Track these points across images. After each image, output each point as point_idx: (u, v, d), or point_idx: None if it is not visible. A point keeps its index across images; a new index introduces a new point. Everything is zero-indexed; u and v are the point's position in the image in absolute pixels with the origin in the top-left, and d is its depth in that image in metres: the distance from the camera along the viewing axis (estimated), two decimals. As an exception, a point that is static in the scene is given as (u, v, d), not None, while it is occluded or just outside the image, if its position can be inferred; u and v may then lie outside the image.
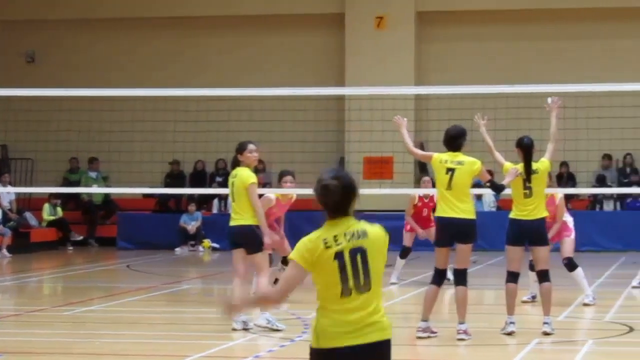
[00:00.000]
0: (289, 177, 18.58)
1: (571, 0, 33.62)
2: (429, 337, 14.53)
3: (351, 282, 7.17)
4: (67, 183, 33.72)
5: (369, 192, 27.93)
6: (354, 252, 7.18)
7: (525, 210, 14.87)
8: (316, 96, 27.84)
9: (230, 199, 15.92)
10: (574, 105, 27.37)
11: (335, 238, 7.19)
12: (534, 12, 33.89)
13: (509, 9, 33.96)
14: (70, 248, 33.01)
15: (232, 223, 15.56)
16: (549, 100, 16.03)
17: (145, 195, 32.81)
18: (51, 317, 17.81)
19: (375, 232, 7.27)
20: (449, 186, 14.57)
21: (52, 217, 33.40)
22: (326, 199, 7.23)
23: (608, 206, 32.05)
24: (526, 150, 15.15)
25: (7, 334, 15.65)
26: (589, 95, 25.97)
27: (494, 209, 32.38)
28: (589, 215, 31.64)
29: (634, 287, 20.33)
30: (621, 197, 31.71)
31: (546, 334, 14.50)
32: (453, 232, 14.60)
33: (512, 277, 14.85)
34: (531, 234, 14.85)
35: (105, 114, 29.17)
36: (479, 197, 31.98)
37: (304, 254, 7.16)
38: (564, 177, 32.01)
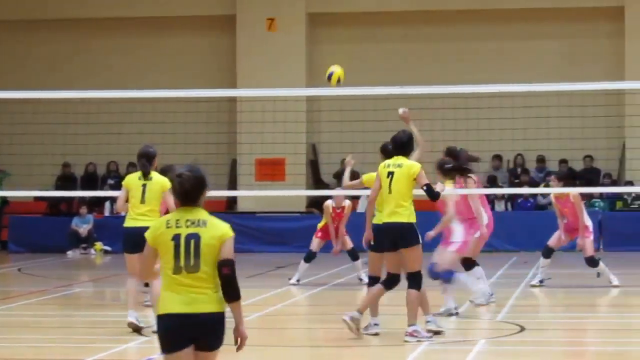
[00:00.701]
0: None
1: (461, 3, 33.93)
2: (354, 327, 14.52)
3: (182, 262, 8.04)
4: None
5: (262, 194, 28.26)
6: (189, 237, 8.04)
7: (392, 212, 14.72)
8: (208, 98, 27.88)
9: (134, 201, 15.52)
10: (464, 106, 27.83)
11: (177, 222, 8.10)
12: (425, 14, 34.12)
13: (399, 10, 34.17)
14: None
15: (136, 224, 15.27)
16: (400, 111, 16.11)
17: (37, 198, 32.64)
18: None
19: (216, 226, 8.08)
20: (390, 190, 14.53)
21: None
22: (179, 187, 8.07)
23: (499, 206, 32.35)
24: (388, 156, 15.08)
25: None
26: (479, 96, 26.33)
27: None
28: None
29: (532, 286, 20.47)
30: (512, 198, 32.06)
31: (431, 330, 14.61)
32: (390, 237, 14.56)
33: (376, 280, 14.97)
34: (400, 234, 14.74)
35: (2, 116, 29.05)
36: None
37: (151, 233, 8.18)
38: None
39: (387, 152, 15.01)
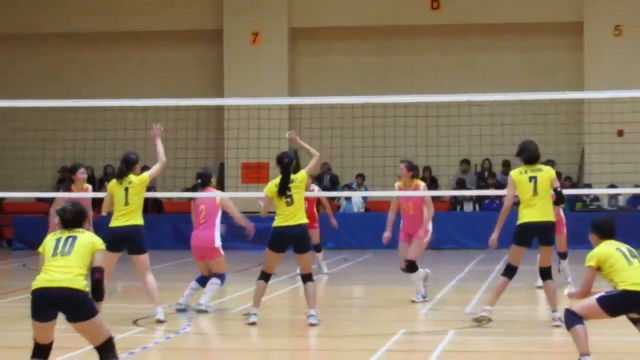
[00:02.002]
0: None
1: (430, 19, 33.98)
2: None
3: (59, 251, 9.63)
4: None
5: (247, 195, 28.26)
6: (67, 237, 9.77)
7: (286, 217, 15.31)
8: (197, 106, 27.93)
9: (118, 203, 15.68)
10: (435, 114, 27.88)
11: (62, 232, 9.87)
12: (396, 29, 34.16)
13: (372, 25, 34.22)
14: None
15: (120, 224, 15.60)
16: (287, 134, 17.17)
17: (38, 199, 32.62)
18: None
19: (85, 232, 9.88)
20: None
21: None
22: (62, 219, 9.94)
23: (467, 207, 32.49)
24: (284, 167, 15.66)
25: None
26: (449, 105, 26.44)
27: (362, 210, 32.70)
28: (449, 215, 32.06)
29: (538, 287, 19.29)
30: (479, 199, 32.16)
31: (312, 324, 15.04)
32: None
33: (265, 277, 15.44)
34: (295, 239, 15.30)
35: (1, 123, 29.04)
36: (348, 199, 32.33)
37: (43, 242, 9.93)
38: (427, 181, 32.36)
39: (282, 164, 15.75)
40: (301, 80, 34.64)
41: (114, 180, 15.84)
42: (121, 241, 15.53)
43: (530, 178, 14.85)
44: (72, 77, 34.76)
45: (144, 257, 15.62)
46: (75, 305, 9.42)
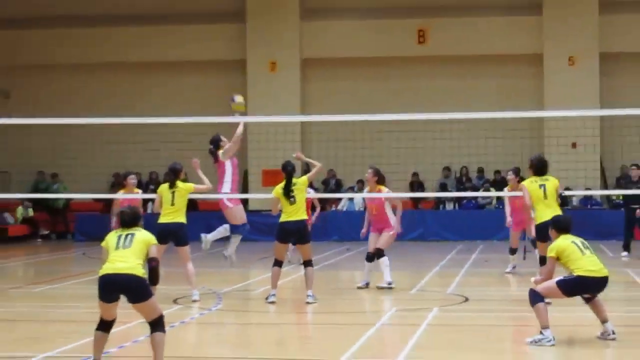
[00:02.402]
0: None
1: (419, 51, 33.95)
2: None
3: (120, 245, 9.75)
4: (36, 191, 33.46)
5: (266, 197, 28.27)
6: (127, 234, 9.86)
7: (290, 214, 15.53)
8: (226, 123, 27.89)
9: (166, 204, 15.81)
10: (422, 129, 27.90)
11: (121, 231, 9.95)
12: (392, 59, 34.09)
13: (371, 56, 34.19)
14: (39, 240, 32.74)
15: (167, 220, 15.76)
16: (293, 155, 17.41)
17: (95, 200, 32.66)
18: (24, 293, 17.71)
19: (140, 230, 9.95)
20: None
21: (24, 216, 33.26)
22: (122, 220, 10.07)
23: (449, 206, 32.44)
24: (288, 174, 15.77)
25: (-10, 306, 15.65)
26: (433, 121, 26.46)
27: (362, 209, 32.64)
28: (434, 213, 32.02)
29: (507, 273, 19.76)
30: (459, 199, 32.13)
31: (308, 303, 15.27)
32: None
33: (278, 263, 15.68)
34: (298, 232, 15.56)
35: (64, 137, 29.09)
36: (350, 199, 32.31)
37: (106, 238, 10.02)
38: (415, 185, 32.34)
39: (287, 171, 15.85)
40: (310, 101, 34.61)
41: (164, 185, 15.99)
42: (167, 235, 15.62)
43: (540, 185, 15.01)
44: (118, 99, 34.68)
45: (186, 249, 15.75)
46: (135, 288, 9.58)
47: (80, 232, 32.35)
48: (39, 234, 33.20)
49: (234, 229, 17.13)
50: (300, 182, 15.77)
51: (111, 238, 9.87)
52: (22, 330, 12.97)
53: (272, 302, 15.37)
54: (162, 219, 15.74)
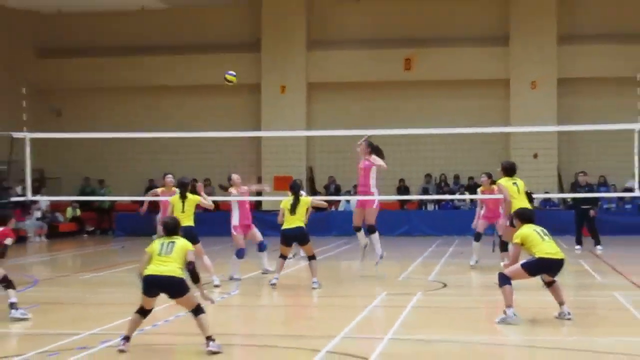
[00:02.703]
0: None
1: (406, 76, 33.88)
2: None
3: (163, 251, 9.84)
4: (82, 194, 33.47)
5: (277, 199, 28.27)
6: (168, 242, 9.95)
7: (289, 222, 15.75)
8: (243, 137, 27.99)
9: (177, 211, 15.81)
10: (407, 142, 27.84)
11: (163, 239, 10.04)
12: (385, 83, 34.10)
13: (365, 81, 34.13)
14: (85, 236, 32.67)
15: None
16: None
17: (133, 201, 32.62)
18: (72, 280, 17.70)
19: (180, 239, 10.07)
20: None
21: (72, 216, 33.28)
22: (165, 228, 10.21)
23: (430, 207, 32.39)
24: (294, 191, 15.98)
25: (43, 291, 15.57)
26: (417, 135, 26.42)
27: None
28: (418, 212, 31.96)
29: (472, 266, 18.95)
30: (439, 201, 32.07)
31: (314, 288, 15.30)
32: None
33: (283, 257, 15.91)
34: (296, 237, 15.78)
35: (106, 149, 29.10)
36: (347, 201, 32.27)
37: (152, 245, 10.05)
38: (401, 189, 32.32)
39: (294, 188, 16.18)
40: (314, 119, 34.57)
41: (176, 196, 16.12)
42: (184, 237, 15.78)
43: (514, 183, 15.44)
44: (152, 117, 34.61)
45: (198, 246, 15.78)
46: (174, 287, 9.75)
47: (120, 228, 32.37)
48: (84, 230, 33.15)
49: (238, 253, 17.07)
50: (304, 201, 16.00)
51: (155, 245, 10.00)
52: (70, 311, 12.96)
53: (274, 284, 15.51)
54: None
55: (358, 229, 17.68)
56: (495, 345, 10.07)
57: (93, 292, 15.46)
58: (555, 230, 27.30)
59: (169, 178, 19.03)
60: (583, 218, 23.62)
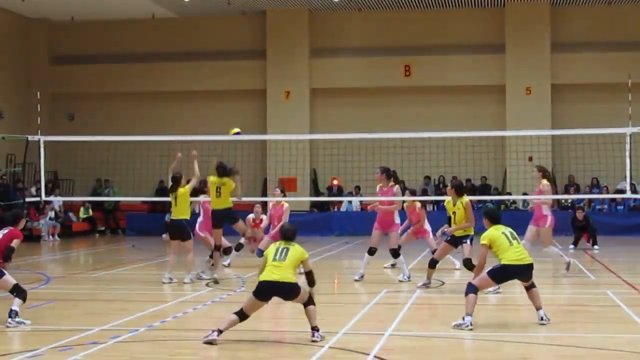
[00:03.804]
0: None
1: (406, 82, 33.98)
2: None
3: (277, 257, 9.92)
4: (94, 195, 33.51)
5: (282, 199, 28.26)
6: (283, 248, 10.05)
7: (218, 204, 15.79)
8: (248, 141, 27.95)
9: (173, 205, 15.96)
10: (407, 145, 27.80)
11: (279, 244, 10.15)
12: (384, 89, 34.21)
13: (367, 87, 34.26)
14: (97, 234, 32.78)
15: (173, 217, 16.06)
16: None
17: (143, 202, 32.66)
18: (84, 277, 17.66)
19: (295, 246, 10.11)
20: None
21: (85, 215, 33.28)
22: (283, 236, 10.30)
23: (429, 208, 32.33)
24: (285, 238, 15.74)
25: (57, 288, 15.54)
26: (416, 139, 26.38)
27: (359, 209, 32.64)
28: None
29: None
30: (437, 202, 32.04)
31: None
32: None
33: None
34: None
35: (117, 152, 29.04)
36: (349, 202, 32.23)
37: (268, 249, 10.14)
38: (402, 190, 32.24)
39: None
40: (317, 123, 34.61)
41: (170, 193, 16.20)
42: (174, 228, 16.00)
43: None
44: (160, 121, 34.77)
45: (188, 243, 15.81)
46: (288, 292, 9.97)
47: (131, 228, 32.36)
48: (97, 229, 33.14)
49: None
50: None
51: (271, 250, 10.12)
52: (82, 308, 12.92)
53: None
54: (170, 217, 16.22)
55: (372, 253, 16.31)
56: (491, 341, 10.03)
57: (104, 289, 15.42)
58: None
59: (277, 192, 19.00)
60: (582, 230, 23.82)
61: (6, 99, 34.21)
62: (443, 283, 15.68)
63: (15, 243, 11.35)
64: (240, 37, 35.39)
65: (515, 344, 9.84)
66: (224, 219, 15.85)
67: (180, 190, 15.93)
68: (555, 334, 10.49)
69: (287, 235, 10.22)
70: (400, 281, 16.18)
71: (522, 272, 10.99)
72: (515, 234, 11.21)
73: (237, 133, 17.96)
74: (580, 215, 23.89)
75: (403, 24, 34.34)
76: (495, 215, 11.40)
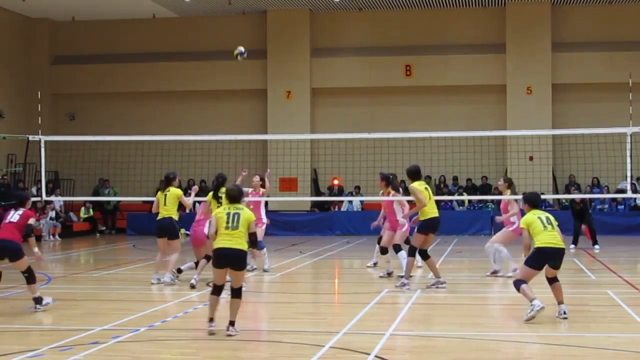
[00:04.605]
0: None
1: (406, 81, 33.96)
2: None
3: (230, 224, 10.08)
4: (96, 195, 33.53)
5: (283, 199, 28.33)
6: (234, 213, 10.16)
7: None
8: (251, 140, 27.98)
9: (161, 205, 15.86)
10: (408, 145, 27.81)
11: (229, 208, 10.23)
12: (385, 89, 34.23)
13: (368, 86, 34.24)
14: (98, 234, 32.75)
15: (160, 217, 15.85)
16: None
17: (145, 202, 32.66)
18: (85, 277, 17.67)
19: (244, 210, 10.23)
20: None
21: (86, 215, 33.28)
22: (230, 197, 10.38)
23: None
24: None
25: (58, 288, 15.51)
26: (417, 139, 26.39)
27: (359, 209, 32.65)
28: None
29: (368, 267, 18.65)
30: (438, 202, 32.00)
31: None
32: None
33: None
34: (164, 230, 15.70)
35: (118, 152, 29.10)
36: (350, 202, 32.24)
37: (219, 214, 10.23)
38: (402, 190, 32.25)
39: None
40: (318, 123, 34.62)
41: (159, 191, 16.08)
42: (162, 229, 15.87)
43: (425, 188, 14.85)
44: (162, 121, 34.87)
45: (174, 242, 15.83)
46: (241, 259, 10.14)
47: (131, 228, 32.37)
48: (97, 229, 33.14)
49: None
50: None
51: (222, 216, 10.27)
52: (83, 307, 12.92)
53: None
54: (158, 217, 15.94)
55: (383, 247, 16.82)
56: (491, 341, 10.04)
57: (104, 289, 15.43)
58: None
59: (257, 179, 18.87)
60: (580, 220, 23.64)
61: (7, 98, 34.22)
62: (444, 283, 15.65)
63: (31, 221, 12.37)
64: (241, 37, 35.31)
65: (516, 344, 9.84)
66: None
67: (171, 190, 15.88)
68: (555, 333, 10.50)
69: (233, 196, 10.38)
70: (400, 276, 16.35)
71: (555, 256, 11.35)
72: (551, 219, 11.60)
73: (241, 53, 17.96)
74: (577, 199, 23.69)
75: (404, 24, 34.34)
76: (532, 200, 11.91)
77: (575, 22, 33.77)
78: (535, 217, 11.51)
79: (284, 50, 34.43)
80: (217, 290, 10.31)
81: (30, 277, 12.30)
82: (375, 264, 18.00)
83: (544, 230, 11.34)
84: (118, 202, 33.27)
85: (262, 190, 18.16)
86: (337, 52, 34.72)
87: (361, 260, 21.89)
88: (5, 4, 33.16)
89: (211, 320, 10.23)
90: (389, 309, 12.96)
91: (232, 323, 10.07)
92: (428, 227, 14.67)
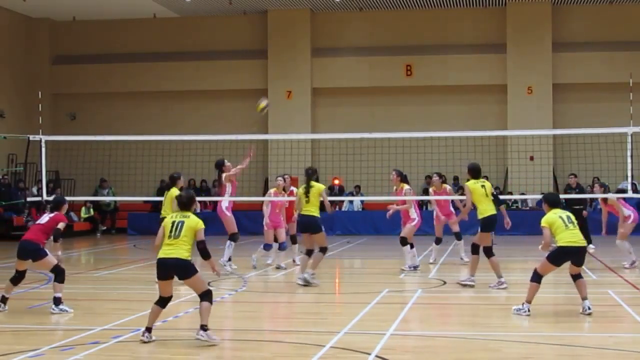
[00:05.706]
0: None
1: (407, 81, 34.00)
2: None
3: (172, 233, 9.78)
4: (96, 195, 33.52)
5: (282, 199, 28.26)
6: (178, 222, 9.84)
7: (306, 210, 15.33)
8: (252, 140, 27.85)
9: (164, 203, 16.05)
10: (408, 145, 27.80)
11: (176, 216, 9.92)
12: (384, 89, 34.24)
13: (368, 86, 34.28)
14: (98, 234, 32.73)
15: (163, 215, 15.85)
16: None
17: (145, 202, 32.65)
18: (86, 276, 17.66)
19: (190, 217, 9.85)
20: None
21: (86, 215, 33.28)
22: (179, 203, 10.05)
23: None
24: (307, 175, 15.80)
25: (59, 288, 15.59)
26: (417, 139, 26.39)
27: (360, 209, 32.62)
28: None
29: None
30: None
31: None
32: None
33: (309, 252, 15.43)
34: (309, 225, 15.27)
35: (119, 151, 29.09)
36: (351, 201, 32.22)
37: (165, 222, 9.94)
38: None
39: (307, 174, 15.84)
40: (319, 122, 34.62)
41: (165, 191, 16.26)
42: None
43: (482, 185, 14.77)
44: (163, 121, 34.92)
45: None
46: (183, 268, 9.76)
47: (132, 227, 32.38)
48: (98, 229, 33.14)
49: (233, 237, 17.15)
50: (316, 186, 15.55)
51: (167, 224, 9.97)
52: (84, 307, 12.90)
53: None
54: (163, 213, 16.07)
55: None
56: (491, 341, 10.03)
57: (105, 288, 15.43)
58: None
59: (280, 180, 18.92)
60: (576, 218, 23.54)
61: (7, 98, 34.23)
62: (444, 282, 15.66)
63: (61, 225, 12.39)
64: (241, 37, 35.41)
65: (516, 344, 9.83)
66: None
67: (171, 190, 15.88)
68: (556, 333, 10.49)
69: (183, 202, 10.02)
70: (402, 270, 17.24)
71: (577, 254, 11.63)
72: (572, 217, 11.83)
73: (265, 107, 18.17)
74: (585, 214, 23.64)
75: (404, 24, 34.35)
76: (552, 200, 12.05)
77: (576, 22, 33.78)
78: (556, 216, 11.71)
79: (285, 50, 34.43)
80: (161, 301, 9.88)
81: (57, 275, 12.21)
82: (435, 260, 19.10)
83: (566, 229, 11.60)
84: (117, 202, 33.26)
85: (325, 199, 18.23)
86: (338, 52, 34.72)
87: (360, 260, 21.91)
88: (6, 3, 33.17)
89: (148, 330, 9.79)
90: (389, 308, 12.94)
91: (203, 327, 9.66)
92: (488, 224, 14.66)
